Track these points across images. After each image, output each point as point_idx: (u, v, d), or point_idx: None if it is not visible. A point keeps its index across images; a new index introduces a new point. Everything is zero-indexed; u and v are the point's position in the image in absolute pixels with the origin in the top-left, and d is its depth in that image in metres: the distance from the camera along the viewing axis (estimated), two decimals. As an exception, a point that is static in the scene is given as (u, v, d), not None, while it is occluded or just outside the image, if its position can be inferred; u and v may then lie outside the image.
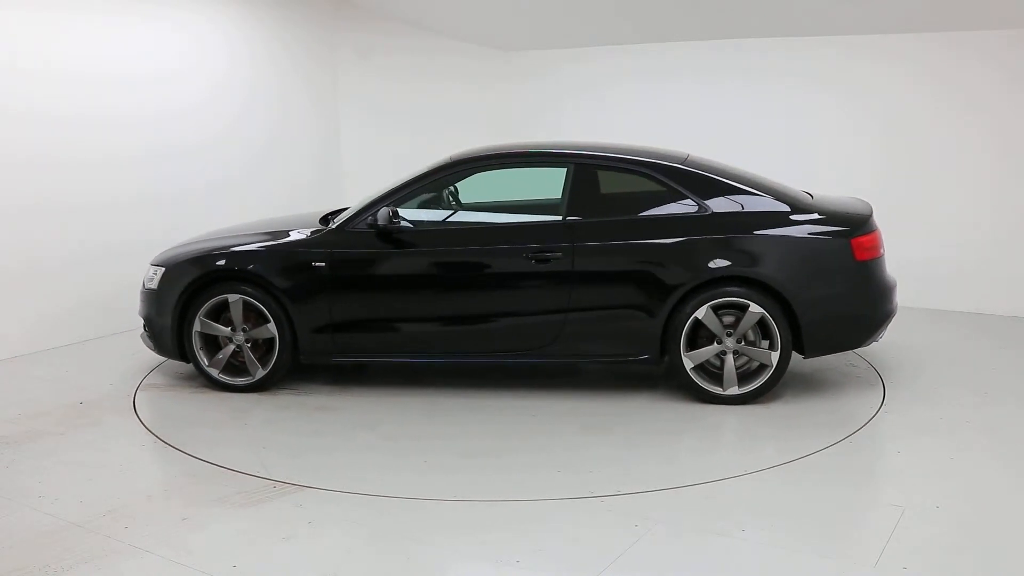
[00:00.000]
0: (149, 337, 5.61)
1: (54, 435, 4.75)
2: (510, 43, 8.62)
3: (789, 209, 5.04)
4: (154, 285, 5.49)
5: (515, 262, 5.08)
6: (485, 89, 8.78)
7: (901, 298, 5.31)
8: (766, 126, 7.60)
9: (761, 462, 4.23)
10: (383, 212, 5.12)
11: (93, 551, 3.47)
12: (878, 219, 5.23)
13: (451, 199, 5.76)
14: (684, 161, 5.27)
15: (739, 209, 5.03)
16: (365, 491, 3.99)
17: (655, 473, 4.19)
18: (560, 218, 5.14)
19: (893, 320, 5.22)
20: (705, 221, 5.00)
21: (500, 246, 5.14)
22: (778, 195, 5.14)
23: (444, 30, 8.57)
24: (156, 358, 6.09)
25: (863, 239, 4.99)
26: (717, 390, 4.97)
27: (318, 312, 5.22)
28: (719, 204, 5.04)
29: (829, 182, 7.07)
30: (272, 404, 5.24)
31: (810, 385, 5.33)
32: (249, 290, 5.27)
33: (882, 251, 5.12)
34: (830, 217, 5.06)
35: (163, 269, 5.49)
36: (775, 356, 4.91)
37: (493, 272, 5.16)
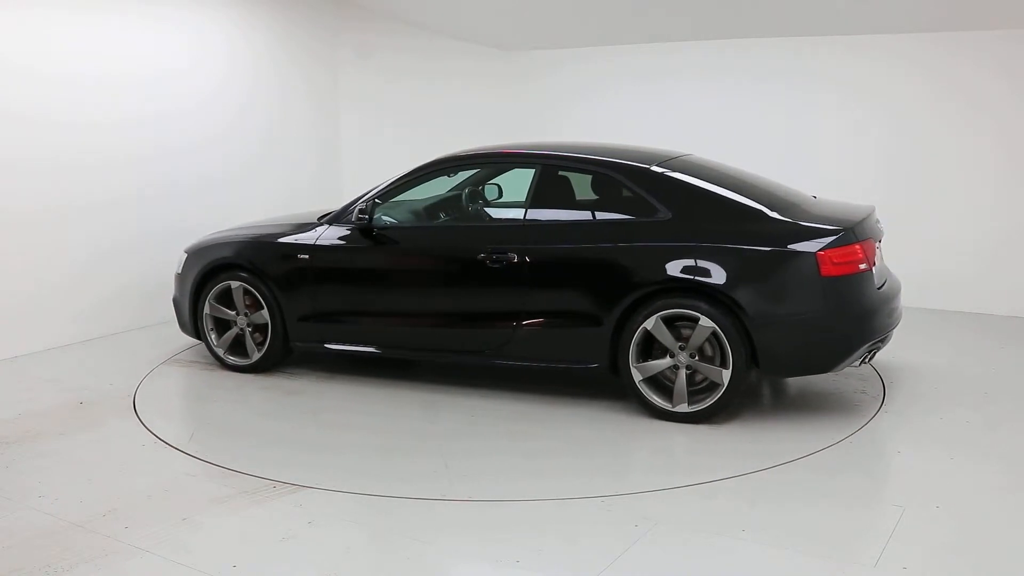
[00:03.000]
0: (177, 317, 6.09)
1: (54, 435, 4.75)
2: (510, 43, 8.61)
3: (759, 217, 4.71)
4: (179, 270, 6.00)
5: (473, 263, 5.07)
6: (485, 89, 8.78)
7: (902, 299, 5.13)
8: (767, 126, 7.60)
9: (761, 462, 4.23)
10: (355, 210, 5.38)
11: (93, 551, 3.47)
12: (880, 221, 5.10)
13: (467, 202, 5.77)
14: (666, 163, 5.09)
15: (702, 216, 4.77)
16: (365, 491, 3.99)
17: (654, 474, 4.19)
18: (519, 220, 5.13)
19: (887, 338, 4.88)
20: (661, 227, 4.76)
21: (460, 246, 5.20)
22: (763, 201, 4.83)
23: (444, 30, 8.57)
24: (156, 357, 6.16)
25: (832, 252, 4.51)
26: (667, 406, 4.71)
27: (303, 301, 5.51)
28: (683, 210, 4.79)
29: (831, 182, 7.07)
30: (254, 385, 5.58)
31: (809, 385, 5.33)
32: (248, 278, 5.63)
33: (863, 266, 4.62)
34: (799, 227, 4.64)
35: (186, 256, 6.00)
36: (726, 374, 4.58)
37: (453, 272, 5.24)
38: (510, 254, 4.96)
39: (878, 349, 4.84)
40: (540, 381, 5.41)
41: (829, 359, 4.66)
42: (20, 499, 3.97)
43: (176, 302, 6.06)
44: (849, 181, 7.23)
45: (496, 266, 4.99)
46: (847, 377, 5.41)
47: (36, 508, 3.87)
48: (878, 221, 5.09)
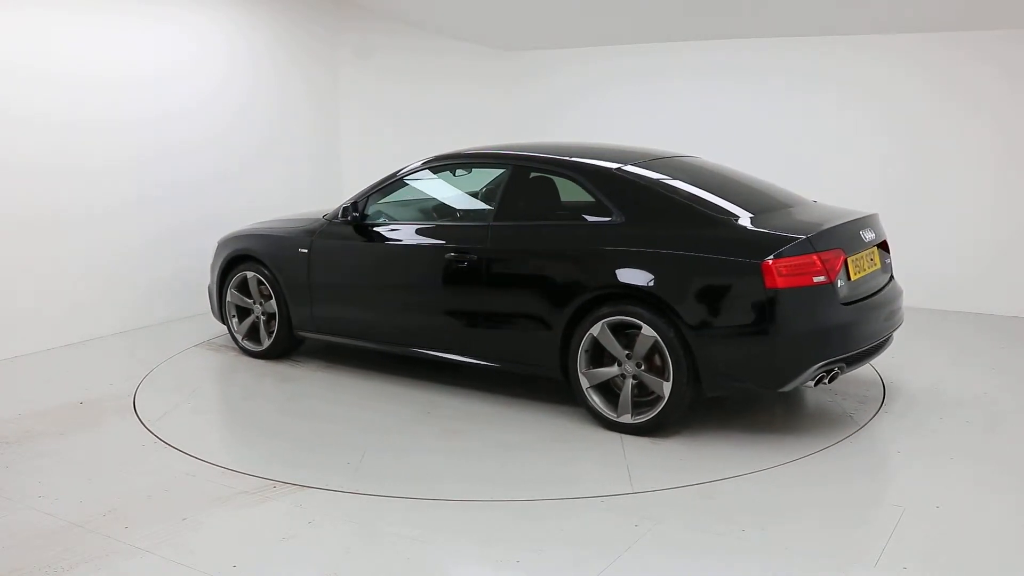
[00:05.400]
0: (209, 305, 6.49)
1: (54, 435, 4.75)
2: (510, 43, 8.61)
3: (715, 223, 4.48)
4: (211, 260, 6.38)
5: (440, 262, 5.13)
6: (485, 89, 8.78)
7: (902, 302, 5.01)
8: (767, 126, 7.60)
9: (761, 462, 4.23)
10: (344, 207, 5.61)
11: (93, 551, 3.47)
12: (868, 229, 4.76)
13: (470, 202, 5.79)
14: (647, 163, 5.00)
15: (654, 220, 4.59)
16: (365, 491, 4.00)
17: (654, 473, 4.19)
18: (486, 221, 5.13)
19: (859, 358, 4.55)
20: (612, 231, 4.62)
21: (432, 245, 5.27)
22: (742, 206, 4.62)
23: (444, 30, 8.57)
24: (157, 357, 6.18)
25: (782, 262, 4.19)
26: (612, 415, 4.59)
27: (303, 293, 5.75)
28: (637, 214, 4.63)
29: (831, 182, 7.08)
30: (255, 371, 5.93)
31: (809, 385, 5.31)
32: (262, 269, 5.94)
33: (820, 279, 4.27)
34: (752, 234, 4.39)
35: (216, 246, 6.37)
36: (667, 387, 4.39)
37: (424, 270, 5.30)
38: (472, 254, 5.00)
39: (841, 371, 4.47)
40: (516, 383, 5.41)
41: (774, 378, 4.34)
42: (20, 499, 3.97)
43: (209, 290, 6.43)
44: (849, 181, 7.23)
45: (461, 266, 5.03)
46: (846, 377, 5.40)
47: (36, 508, 3.87)
48: (864, 229, 4.76)
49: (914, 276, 6.16)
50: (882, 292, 4.82)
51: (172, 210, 7.19)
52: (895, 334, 4.98)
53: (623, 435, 4.56)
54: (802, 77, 7.50)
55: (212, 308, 6.42)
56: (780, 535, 3.53)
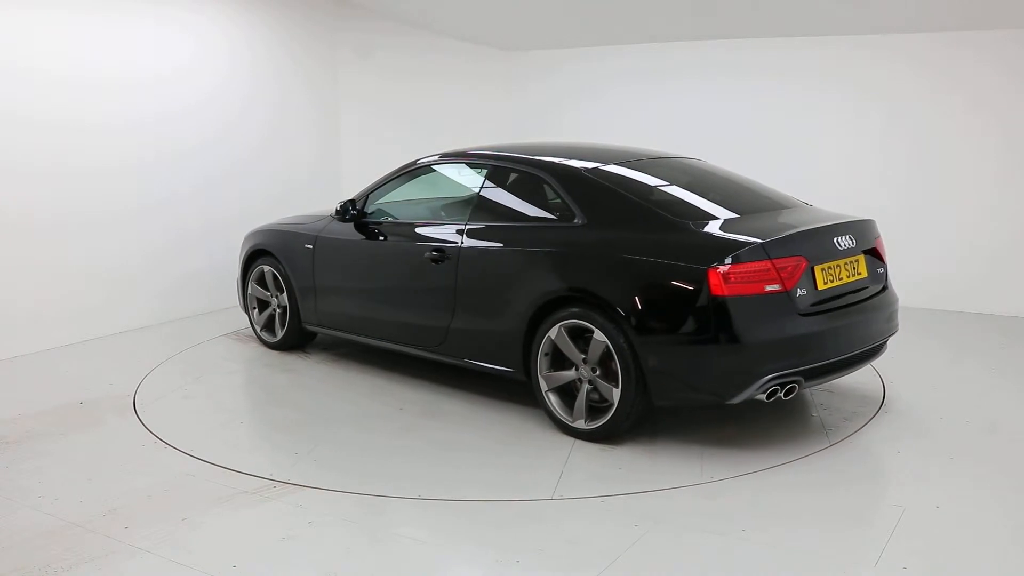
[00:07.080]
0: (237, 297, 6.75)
1: (54, 435, 4.75)
2: (510, 43, 8.62)
3: (673, 227, 4.35)
4: (238, 254, 6.61)
5: (421, 261, 5.18)
6: (485, 89, 8.78)
7: (902, 299, 4.98)
8: (766, 126, 7.61)
9: (761, 462, 4.23)
10: (343, 206, 5.72)
11: (93, 551, 3.47)
12: (848, 236, 4.47)
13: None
14: (632, 163, 4.97)
15: (614, 223, 4.50)
16: (365, 491, 4.00)
17: (655, 473, 4.19)
18: (464, 220, 5.15)
19: (831, 374, 4.40)
20: (572, 233, 4.58)
21: (416, 244, 5.31)
22: (726, 207, 4.56)
23: (444, 30, 8.57)
24: (156, 358, 6.17)
25: (731, 269, 4.02)
26: (568, 419, 4.54)
27: (308, 287, 5.94)
28: (598, 216, 4.56)
29: (832, 182, 7.08)
30: (265, 361, 6.18)
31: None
32: (277, 264, 6.15)
33: (774, 287, 4.07)
34: (706, 238, 4.26)
35: (242, 241, 6.58)
36: (616, 393, 4.29)
37: (407, 268, 5.36)
38: (447, 254, 5.04)
39: (799, 385, 4.23)
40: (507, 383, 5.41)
41: (719, 389, 4.16)
42: (20, 499, 3.97)
43: (237, 283, 6.68)
44: (849, 181, 7.24)
45: (437, 264, 5.08)
46: (846, 377, 5.40)
47: (36, 508, 3.87)
48: (842, 235, 4.48)
49: (915, 276, 6.17)
50: (867, 302, 4.60)
51: (173, 210, 7.18)
52: (892, 339, 4.89)
53: (576, 440, 4.53)
54: (802, 77, 7.51)
55: (238, 300, 6.67)
56: (780, 535, 3.53)
